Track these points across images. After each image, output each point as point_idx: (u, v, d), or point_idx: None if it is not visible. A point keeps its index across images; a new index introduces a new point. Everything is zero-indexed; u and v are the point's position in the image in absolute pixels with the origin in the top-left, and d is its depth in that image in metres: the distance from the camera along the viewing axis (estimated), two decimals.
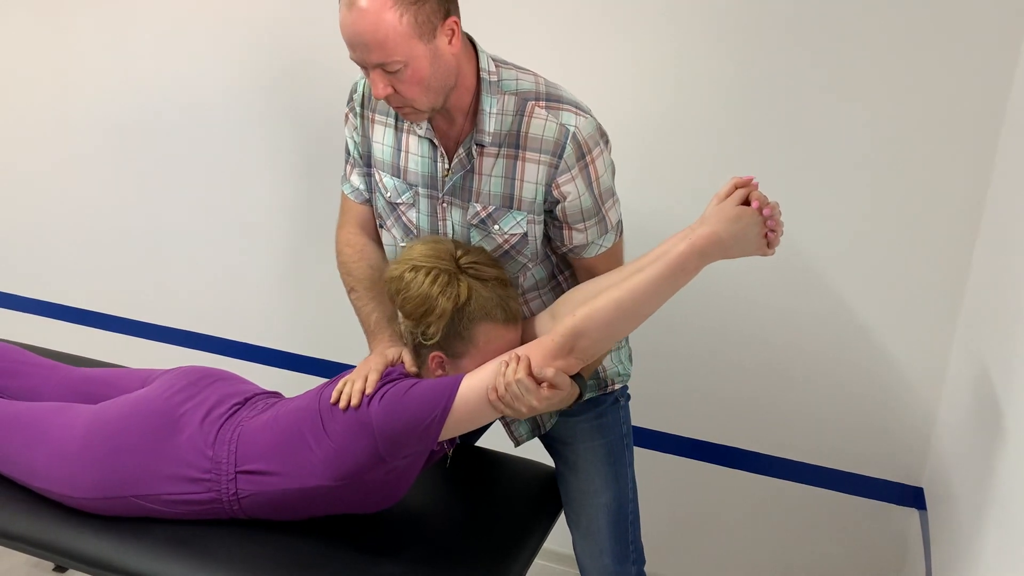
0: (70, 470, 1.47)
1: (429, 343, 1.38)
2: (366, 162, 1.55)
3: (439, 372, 1.39)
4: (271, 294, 2.45)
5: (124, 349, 2.62)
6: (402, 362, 1.45)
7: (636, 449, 1.73)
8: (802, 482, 2.07)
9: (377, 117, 1.49)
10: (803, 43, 1.77)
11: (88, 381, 1.67)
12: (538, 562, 1.69)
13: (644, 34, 1.88)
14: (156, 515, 1.48)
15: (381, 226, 1.59)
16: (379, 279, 1.52)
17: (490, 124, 1.38)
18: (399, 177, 1.49)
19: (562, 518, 1.70)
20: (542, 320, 1.47)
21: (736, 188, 1.29)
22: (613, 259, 1.49)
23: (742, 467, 2.12)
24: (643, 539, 1.70)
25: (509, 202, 1.42)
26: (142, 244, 2.55)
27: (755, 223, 1.28)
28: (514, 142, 1.38)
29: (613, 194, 1.46)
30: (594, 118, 1.40)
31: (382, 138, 1.49)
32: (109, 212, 2.56)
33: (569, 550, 1.70)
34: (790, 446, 2.06)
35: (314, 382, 2.43)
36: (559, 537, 1.75)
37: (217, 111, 2.32)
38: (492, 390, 1.31)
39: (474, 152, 1.40)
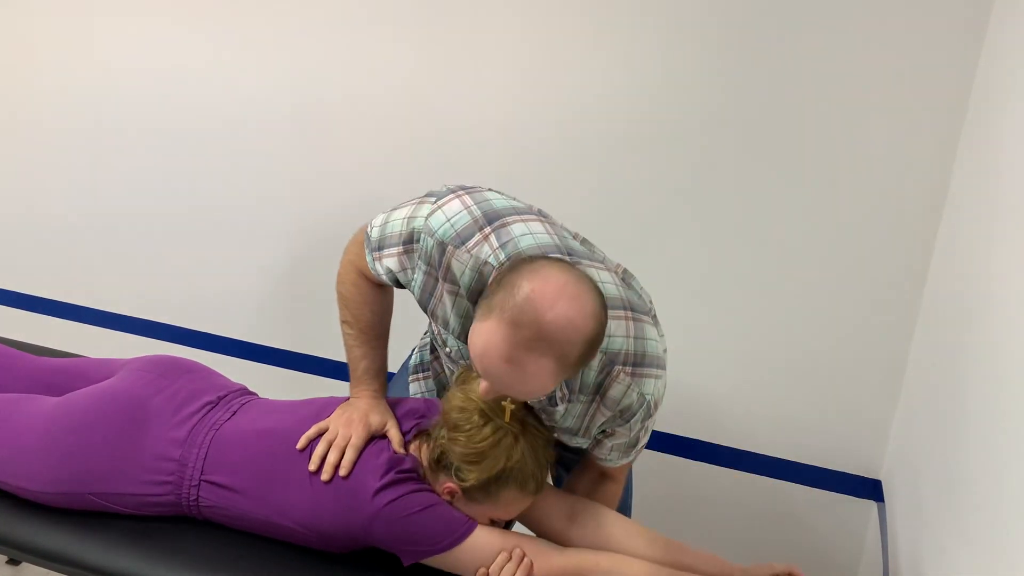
0: (28, 463, 1.43)
1: (454, 477, 1.35)
2: (410, 291, 1.43)
3: (446, 497, 1.37)
4: (239, 285, 2.41)
5: (88, 339, 2.56)
6: (388, 438, 1.42)
7: None
8: (761, 474, 2.10)
9: (448, 287, 1.34)
10: (781, 46, 1.79)
11: (51, 372, 1.62)
12: None
13: (624, 33, 1.89)
14: (113, 512, 1.44)
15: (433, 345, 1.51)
16: (378, 324, 1.50)
17: (573, 382, 1.32)
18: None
19: None
20: (556, 504, 1.44)
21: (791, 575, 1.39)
22: (621, 469, 1.51)
23: (701, 459, 2.14)
24: None
25: (575, 432, 1.39)
26: (108, 233, 2.50)
27: None
28: (592, 393, 1.33)
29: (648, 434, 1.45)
30: (665, 372, 1.36)
31: (452, 306, 1.36)
32: (74, 200, 2.50)
33: None
34: (749, 439, 2.08)
35: (287, 376, 2.42)
36: None
37: (208, 106, 2.29)
38: (484, 571, 1.33)
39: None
